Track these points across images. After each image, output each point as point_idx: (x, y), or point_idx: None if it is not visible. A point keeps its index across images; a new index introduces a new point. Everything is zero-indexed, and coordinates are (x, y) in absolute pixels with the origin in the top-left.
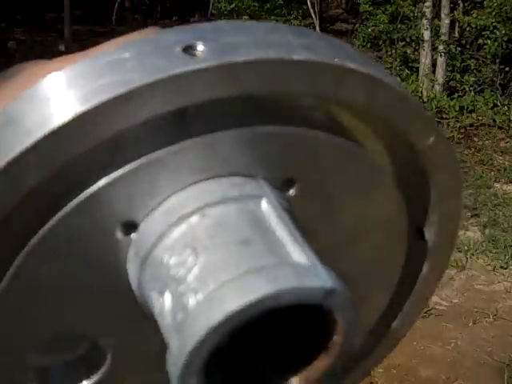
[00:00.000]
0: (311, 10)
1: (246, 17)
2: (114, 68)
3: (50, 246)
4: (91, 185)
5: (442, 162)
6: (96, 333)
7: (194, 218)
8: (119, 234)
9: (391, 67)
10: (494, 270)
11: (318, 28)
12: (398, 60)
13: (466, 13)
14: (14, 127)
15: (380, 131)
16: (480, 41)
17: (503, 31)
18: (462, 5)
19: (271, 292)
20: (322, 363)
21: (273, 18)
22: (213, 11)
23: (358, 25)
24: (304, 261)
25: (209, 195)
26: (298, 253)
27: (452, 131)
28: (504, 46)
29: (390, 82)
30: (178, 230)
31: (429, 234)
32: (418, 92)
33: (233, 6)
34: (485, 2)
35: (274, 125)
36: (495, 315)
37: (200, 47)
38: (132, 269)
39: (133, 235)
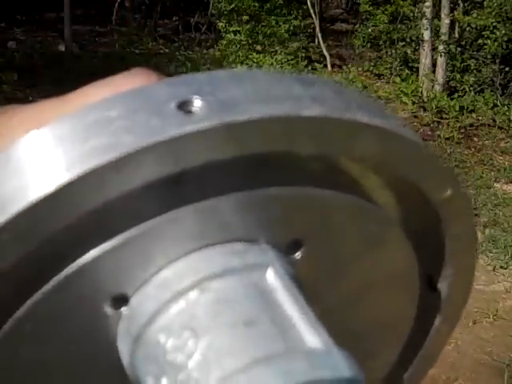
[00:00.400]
0: (311, 10)
1: (246, 17)
2: (101, 128)
3: (30, 327)
4: (76, 259)
5: (458, 215)
6: None
7: (192, 294)
8: (108, 309)
9: (391, 67)
10: (494, 270)
11: (318, 28)
12: (398, 60)
13: (466, 13)
14: None
15: (392, 182)
16: (480, 41)
17: (503, 31)
18: (462, 5)
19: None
20: None
21: (273, 17)
22: (213, 11)
23: (358, 25)
24: (318, 345)
25: (208, 266)
26: (310, 335)
27: (452, 131)
28: (504, 46)
29: (405, 134)
30: (174, 308)
31: (442, 285)
32: (417, 92)
33: (233, 6)
34: (485, 2)
35: (278, 186)
36: (495, 315)
37: (197, 103)
38: (123, 346)
39: (123, 309)
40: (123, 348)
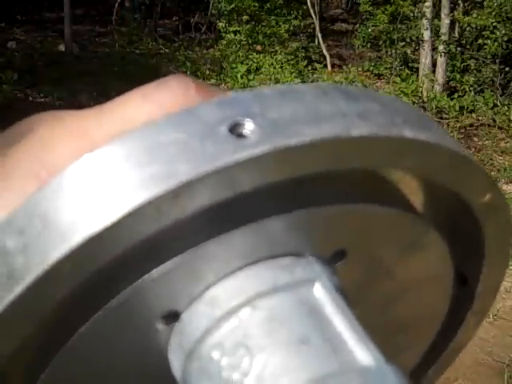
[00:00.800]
0: (311, 10)
1: (246, 17)
2: (156, 155)
3: (87, 344)
4: (131, 282)
5: (495, 217)
6: None
7: (244, 312)
8: (160, 325)
9: (391, 67)
10: None
11: (318, 28)
12: (398, 60)
13: (466, 13)
14: (45, 227)
15: (431, 187)
16: (480, 41)
17: (503, 31)
18: (462, 5)
19: None
20: None
21: (273, 17)
22: (213, 11)
23: (358, 25)
24: (369, 362)
25: (257, 283)
26: (361, 351)
27: (452, 131)
28: (504, 46)
29: (448, 144)
30: (226, 325)
31: (474, 282)
32: (418, 92)
33: (233, 6)
34: (485, 2)
35: (325, 205)
36: (495, 315)
37: (248, 125)
38: (175, 360)
39: (174, 325)
40: (175, 362)
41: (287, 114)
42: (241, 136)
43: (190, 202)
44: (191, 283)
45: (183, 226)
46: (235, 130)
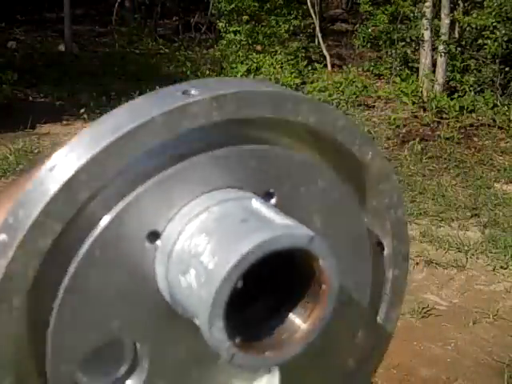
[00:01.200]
0: (311, 10)
1: (246, 17)
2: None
3: (97, 253)
4: (122, 200)
5: (382, 175)
6: (134, 337)
7: (203, 215)
8: (147, 243)
9: (391, 67)
10: (494, 270)
11: (318, 28)
12: (398, 60)
13: (466, 13)
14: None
15: (329, 150)
16: (480, 41)
17: (503, 31)
18: (462, 5)
19: (270, 237)
20: (317, 311)
21: (273, 17)
22: (213, 11)
23: (358, 25)
24: (290, 222)
25: (212, 199)
26: (285, 219)
27: (452, 131)
28: (504, 46)
29: (336, 112)
30: (192, 225)
31: (387, 242)
32: (418, 92)
33: (233, 6)
34: (485, 2)
35: (252, 144)
36: (495, 315)
37: (194, 91)
38: (160, 269)
39: (157, 242)
40: (160, 271)
41: (220, 86)
42: (190, 95)
43: (152, 136)
44: (167, 207)
45: (147, 159)
46: (185, 93)
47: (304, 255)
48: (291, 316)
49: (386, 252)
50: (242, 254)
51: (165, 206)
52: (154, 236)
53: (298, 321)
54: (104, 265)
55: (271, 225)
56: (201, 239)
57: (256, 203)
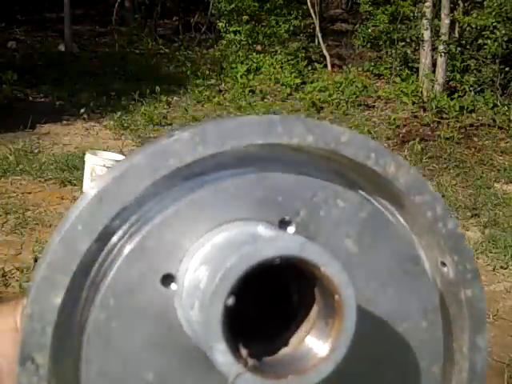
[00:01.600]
0: (311, 10)
1: (246, 17)
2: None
3: (112, 298)
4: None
5: (413, 187)
6: None
7: (205, 248)
8: (162, 287)
9: (391, 67)
10: (494, 270)
11: (318, 28)
12: (398, 60)
13: (466, 13)
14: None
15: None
16: (480, 41)
17: (503, 31)
18: (462, 5)
19: (253, 248)
20: (337, 325)
21: (273, 17)
22: (213, 11)
23: (358, 25)
24: (287, 236)
25: (216, 233)
26: (287, 235)
27: (452, 131)
28: (504, 46)
29: (337, 128)
30: (195, 259)
31: (447, 260)
32: (417, 92)
33: (233, 6)
34: (485, 2)
35: (253, 173)
36: (495, 315)
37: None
38: (180, 312)
39: (172, 285)
40: (181, 313)
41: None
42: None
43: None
44: (178, 246)
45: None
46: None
47: (306, 266)
48: (312, 333)
49: (449, 271)
50: (226, 268)
51: (178, 245)
52: (168, 279)
53: (320, 338)
54: (121, 314)
55: (260, 239)
56: (202, 270)
57: (261, 229)
